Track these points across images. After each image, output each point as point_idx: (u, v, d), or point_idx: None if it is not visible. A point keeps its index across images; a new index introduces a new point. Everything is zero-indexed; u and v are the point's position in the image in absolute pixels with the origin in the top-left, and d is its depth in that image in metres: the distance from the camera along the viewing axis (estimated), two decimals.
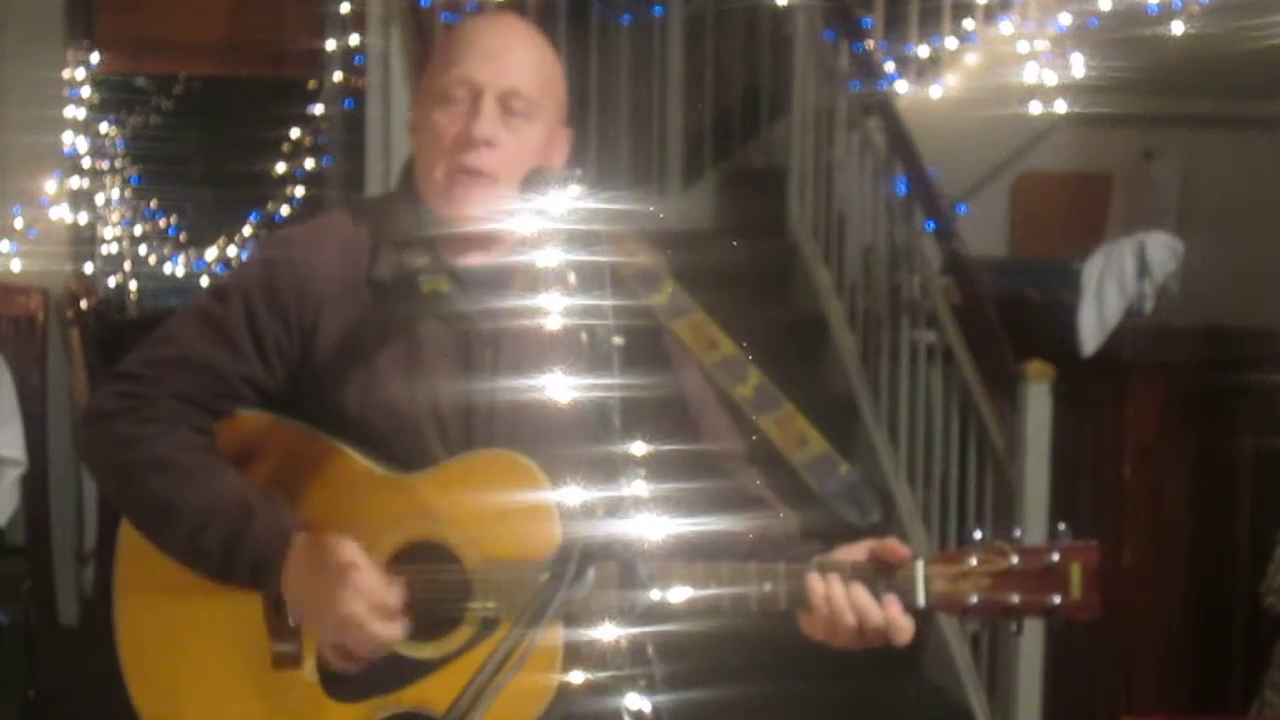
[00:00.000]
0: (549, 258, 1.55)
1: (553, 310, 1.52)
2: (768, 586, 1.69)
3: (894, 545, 1.69)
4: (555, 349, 1.54)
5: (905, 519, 4.17)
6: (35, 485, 3.98)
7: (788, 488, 1.87)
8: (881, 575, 1.67)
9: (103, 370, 4.25)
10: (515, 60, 1.85)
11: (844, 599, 1.67)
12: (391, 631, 1.73)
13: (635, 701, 1.49)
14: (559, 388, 1.50)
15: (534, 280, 1.83)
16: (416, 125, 1.90)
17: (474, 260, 1.87)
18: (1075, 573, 1.66)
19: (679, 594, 1.66)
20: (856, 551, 1.71)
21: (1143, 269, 3.92)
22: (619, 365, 1.51)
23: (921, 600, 1.67)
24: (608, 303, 1.52)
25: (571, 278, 1.54)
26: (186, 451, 1.81)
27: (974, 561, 1.67)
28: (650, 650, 1.53)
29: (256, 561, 1.76)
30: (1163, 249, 3.96)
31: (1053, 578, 1.66)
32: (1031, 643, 3.66)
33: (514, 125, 1.83)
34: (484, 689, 1.35)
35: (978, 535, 1.70)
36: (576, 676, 1.70)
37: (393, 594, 1.73)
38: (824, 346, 4.78)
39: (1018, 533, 1.71)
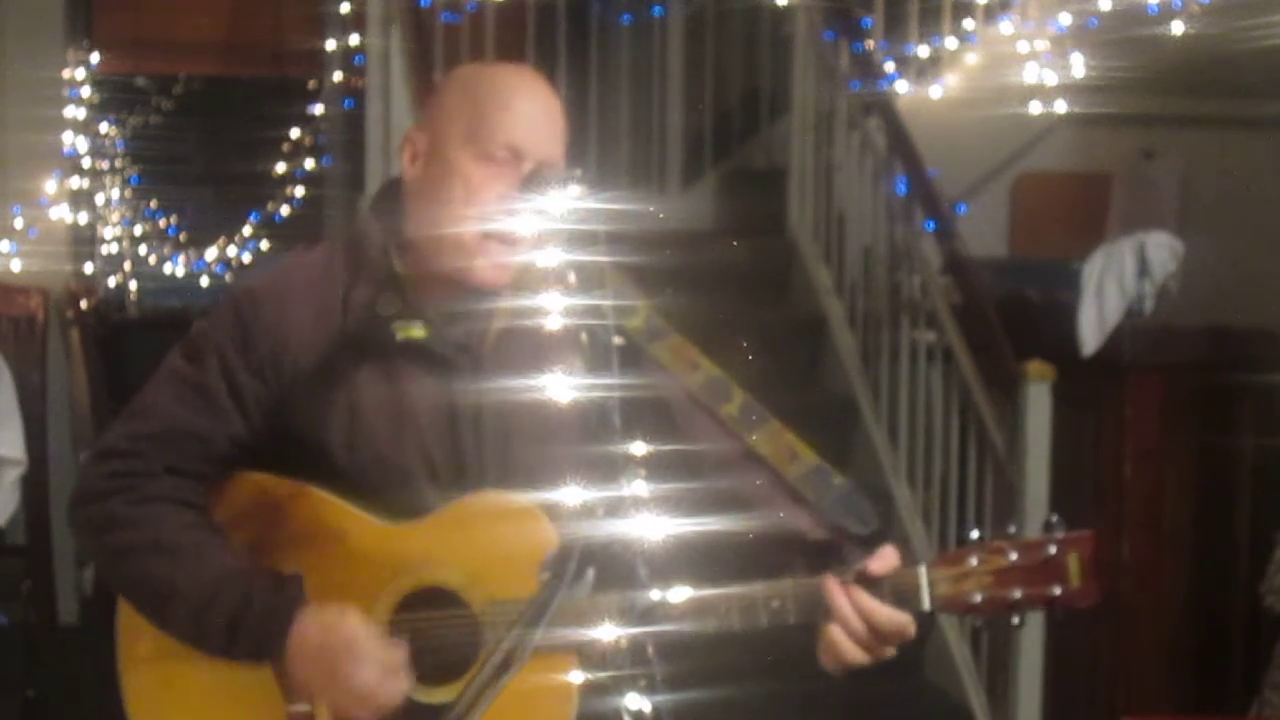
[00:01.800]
0: (545, 259, 1.55)
1: (541, 320, 1.52)
2: (775, 603, 1.69)
3: (887, 553, 1.70)
4: (540, 380, 1.55)
5: (905, 519, 4.17)
6: (35, 485, 3.98)
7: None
8: (885, 583, 1.69)
9: (103, 370, 4.24)
10: (553, 130, 1.85)
11: (850, 609, 1.68)
12: (399, 688, 1.73)
13: (635, 701, 1.49)
14: (547, 428, 1.50)
15: (508, 315, 1.84)
16: (437, 164, 1.84)
17: (446, 302, 1.85)
18: (1073, 562, 1.69)
19: (679, 594, 1.66)
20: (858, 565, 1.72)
21: (1143, 269, 3.92)
22: (610, 371, 1.51)
23: (927, 604, 1.69)
24: (595, 302, 1.52)
25: (572, 278, 1.53)
26: (183, 531, 1.80)
27: (975, 561, 1.69)
28: (650, 650, 1.53)
29: (259, 641, 1.76)
30: (1163, 249, 3.96)
31: (1052, 569, 1.69)
32: (1031, 642, 3.66)
33: None
34: (484, 688, 1.35)
35: (975, 534, 1.72)
36: (577, 676, 1.71)
37: (397, 654, 1.74)
38: (824, 346, 4.78)
39: (1013, 528, 1.73)
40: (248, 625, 1.76)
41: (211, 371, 1.83)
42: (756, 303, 4.85)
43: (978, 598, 1.68)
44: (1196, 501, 3.96)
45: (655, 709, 1.49)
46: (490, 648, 1.74)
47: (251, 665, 1.79)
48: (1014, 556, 1.69)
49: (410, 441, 1.83)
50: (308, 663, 1.75)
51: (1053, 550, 1.69)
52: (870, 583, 1.68)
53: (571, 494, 1.45)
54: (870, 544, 1.75)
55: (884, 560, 1.69)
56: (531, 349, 1.75)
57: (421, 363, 1.85)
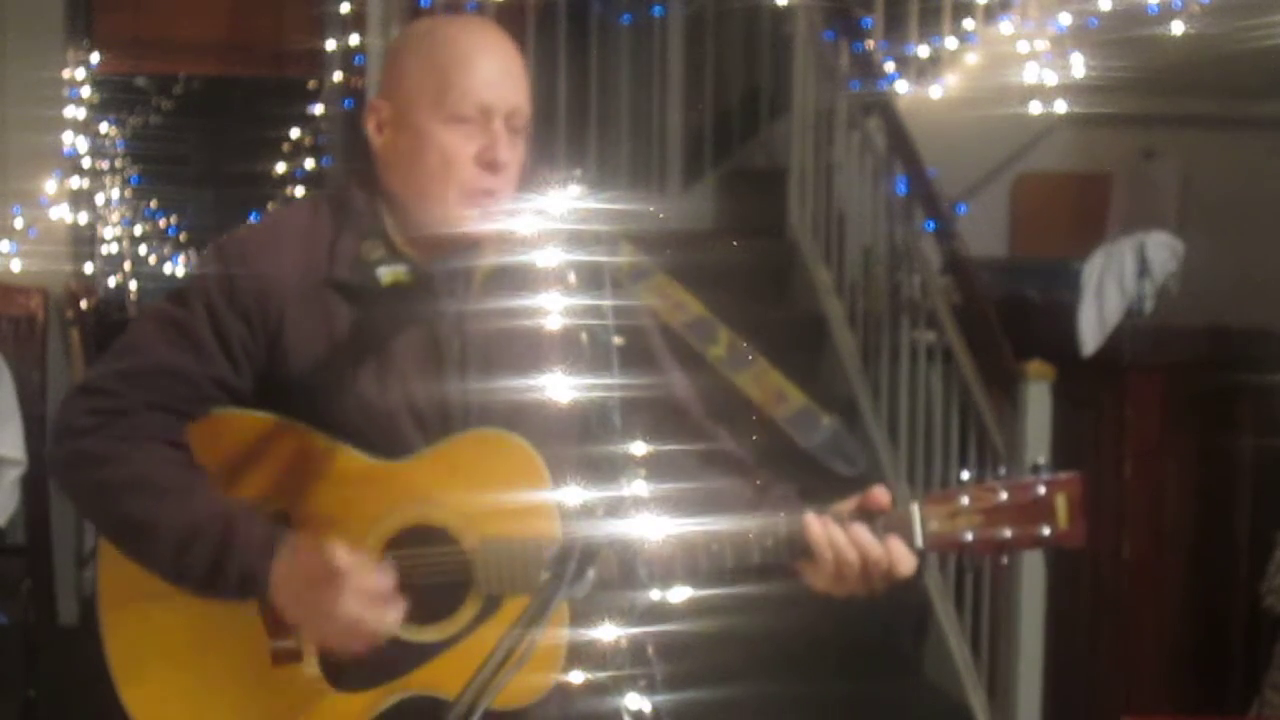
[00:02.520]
0: (545, 259, 1.55)
1: (515, 299, 1.52)
2: (769, 541, 1.72)
3: (878, 492, 1.74)
4: (523, 328, 1.53)
5: None
6: (35, 485, 3.98)
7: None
8: (878, 520, 1.73)
9: None
10: (515, 79, 1.86)
11: (844, 538, 1.71)
12: (390, 619, 1.73)
13: (635, 701, 1.50)
14: (530, 375, 1.50)
15: (495, 264, 1.85)
16: (407, 132, 1.85)
17: (431, 253, 1.87)
18: (1061, 503, 1.74)
19: (681, 594, 1.66)
20: (847, 504, 1.76)
21: (1143, 269, 3.92)
22: (597, 354, 1.51)
23: (920, 541, 1.73)
24: (595, 302, 1.53)
25: (574, 274, 1.53)
26: (163, 468, 1.79)
27: (966, 500, 1.73)
28: (650, 650, 1.53)
29: (243, 577, 1.75)
30: (1163, 249, 3.96)
31: (1040, 509, 1.74)
32: (1031, 642, 3.66)
33: (515, 143, 1.85)
34: (486, 687, 1.35)
35: (965, 475, 1.75)
36: (577, 676, 1.70)
37: (385, 581, 1.73)
38: (824, 346, 4.78)
39: (1002, 470, 1.77)
40: (231, 562, 1.74)
41: (198, 314, 1.83)
42: (756, 303, 4.85)
43: (969, 535, 1.73)
44: (1196, 501, 3.96)
45: (655, 709, 1.49)
46: (478, 593, 1.76)
47: (234, 602, 1.78)
48: (1004, 496, 1.73)
49: (395, 386, 1.83)
50: (293, 595, 1.74)
51: (1041, 490, 1.74)
52: (864, 519, 1.72)
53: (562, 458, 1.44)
54: (859, 485, 1.78)
55: (875, 497, 1.73)
56: (517, 295, 1.76)
57: (407, 308, 1.85)
